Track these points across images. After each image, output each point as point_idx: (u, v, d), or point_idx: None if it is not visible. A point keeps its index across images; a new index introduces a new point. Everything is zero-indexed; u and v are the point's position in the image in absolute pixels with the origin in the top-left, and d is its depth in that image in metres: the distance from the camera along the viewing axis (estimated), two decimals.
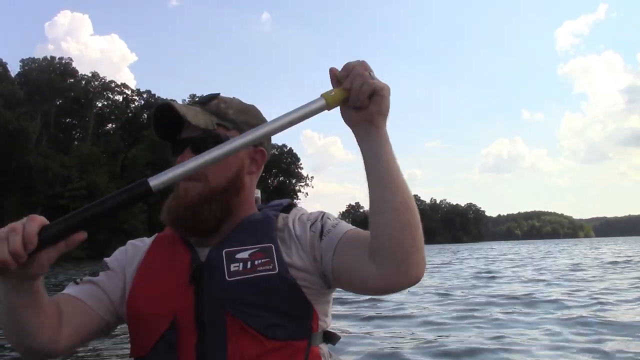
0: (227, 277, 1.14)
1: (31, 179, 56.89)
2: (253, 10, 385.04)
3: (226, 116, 1.24)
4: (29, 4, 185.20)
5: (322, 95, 1.05)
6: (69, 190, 58.90)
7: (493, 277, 14.41)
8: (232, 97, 1.30)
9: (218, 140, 1.18)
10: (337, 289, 1.25)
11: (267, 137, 1.00)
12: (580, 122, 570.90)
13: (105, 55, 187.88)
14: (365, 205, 1.11)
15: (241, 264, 1.16)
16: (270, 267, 1.15)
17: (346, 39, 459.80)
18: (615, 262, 19.73)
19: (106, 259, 1.30)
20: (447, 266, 21.12)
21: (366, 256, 1.07)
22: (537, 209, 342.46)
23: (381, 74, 1.04)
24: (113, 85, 77.04)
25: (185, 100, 78.93)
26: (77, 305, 1.19)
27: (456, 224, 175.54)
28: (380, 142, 1.07)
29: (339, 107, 1.10)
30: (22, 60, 70.08)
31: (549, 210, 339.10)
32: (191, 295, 1.15)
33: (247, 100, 1.34)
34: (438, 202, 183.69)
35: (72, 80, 72.46)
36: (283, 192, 75.22)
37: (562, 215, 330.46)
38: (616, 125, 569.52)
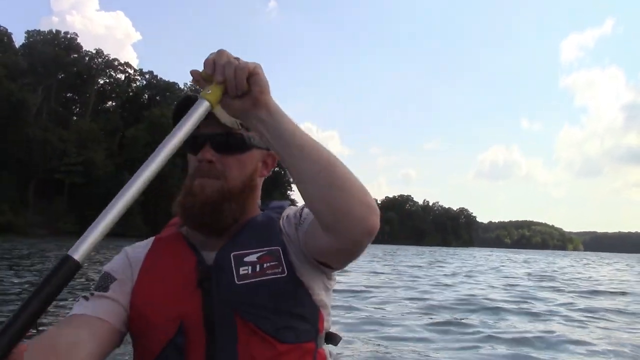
0: (236, 280, 1.13)
1: (28, 151, 57.18)
2: None
3: None
4: None
5: (201, 97, 0.93)
6: (65, 164, 59.35)
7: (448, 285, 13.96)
8: None
9: (240, 140, 1.20)
10: (334, 275, 1.27)
11: (165, 162, 0.87)
12: (579, 135, 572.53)
13: (109, 31, 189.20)
14: None
15: (250, 267, 1.15)
16: (279, 270, 1.15)
17: (347, 30, 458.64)
18: (577, 278, 18.95)
19: (108, 270, 1.23)
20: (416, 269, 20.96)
21: (321, 230, 1.05)
22: (529, 219, 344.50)
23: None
24: (116, 63, 77.55)
25: (187, 84, 79.29)
26: (99, 326, 1.11)
27: (447, 228, 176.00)
28: (276, 118, 1.00)
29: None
30: (28, 32, 70.52)
31: (540, 221, 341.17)
32: (199, 298, 1.13)
33: None
34: (431, 204, 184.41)
35: (75, 55, 72.77)
36: (277, 182, 75.75)
37: (552, 226, 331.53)
38: (614, 141, 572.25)
